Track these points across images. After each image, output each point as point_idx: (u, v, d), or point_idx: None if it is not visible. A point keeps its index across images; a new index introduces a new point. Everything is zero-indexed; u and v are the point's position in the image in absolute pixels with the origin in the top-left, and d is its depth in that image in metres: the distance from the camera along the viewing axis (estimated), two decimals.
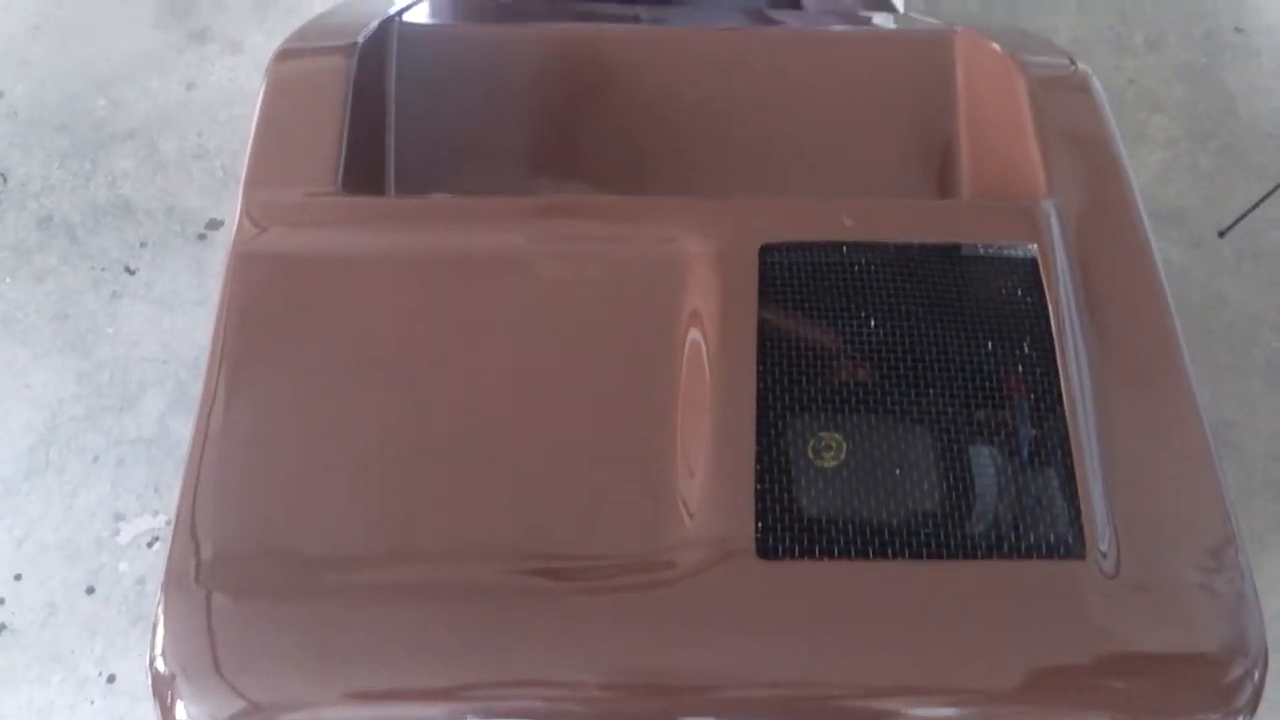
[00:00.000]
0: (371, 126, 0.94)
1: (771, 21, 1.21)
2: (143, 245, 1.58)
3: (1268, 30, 1.82)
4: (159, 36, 1.76)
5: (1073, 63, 1.00)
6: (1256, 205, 1.58)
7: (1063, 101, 0.94)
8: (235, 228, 0.81)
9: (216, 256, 1.58)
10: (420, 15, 1.13)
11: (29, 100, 1.70)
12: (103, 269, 1.56)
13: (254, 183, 0.83)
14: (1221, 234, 1.62)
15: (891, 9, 1.33)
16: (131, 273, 1.56)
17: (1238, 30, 1.82)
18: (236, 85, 1.72)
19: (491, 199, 0.86)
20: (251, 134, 0.86)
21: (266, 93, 0.88)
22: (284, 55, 0.91)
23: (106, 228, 1.60)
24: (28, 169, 1.64)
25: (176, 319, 1.53)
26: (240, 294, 0.79)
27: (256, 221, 0.83)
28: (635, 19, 1.19)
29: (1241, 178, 1.67)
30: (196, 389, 1.46)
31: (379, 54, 1.00)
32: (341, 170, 0.84)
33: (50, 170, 1.64)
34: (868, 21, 1.21)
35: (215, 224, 1.61)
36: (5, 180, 1.62)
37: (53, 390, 1.47)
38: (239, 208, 0.84)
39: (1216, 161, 1.68)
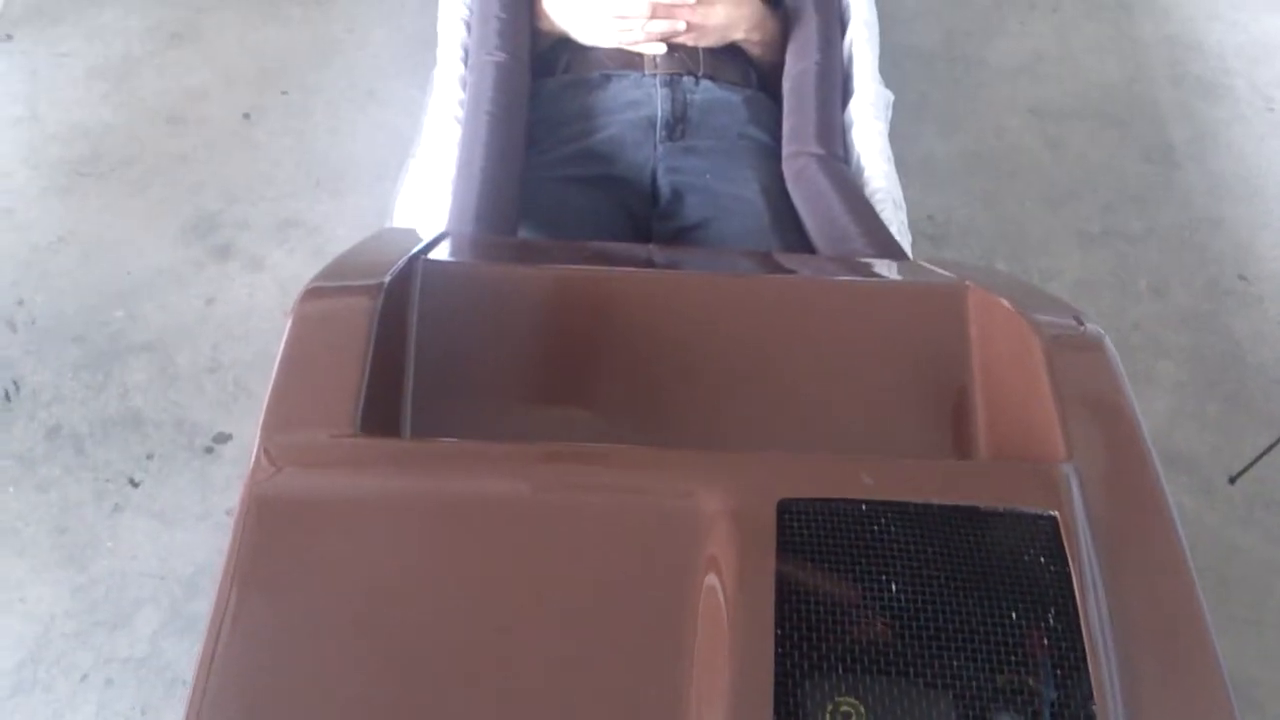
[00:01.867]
0: (392, 367, 0.96)
1: (784, 268, 1.24)
2: (149, 457, 1.59)
3: (1271, 277, 1.88)
4: (181, 252, 1.82)
5: (1082, 322, 1.02)
6: (1266, 452, 1.60)
7: (1077, 363, 0.96)
8: (251, 465, 0.82)
9: (221, 471, 1.59)
10: (443, 253, 1.16)
11: (48, 310, 1.75)
12: (107, 480, 1.57)
13: (273, 423, 0.84)
14: (1232, 480, 1.63)
15: (902, 255, 1.37)
16: (135, 485, 1.56)
17: (1241, 278, 1.88)
18: (255, 301, 1.77)
19: (506, 445, 0.87)
20: (274, 373, 0.88)
21: (292, 332, 0.90)
22: (311, 295, 0.94)
23: (114, 439, 1.61)
24: (41, 378, 1.66)
25: (176, 534, 1.53)
26: (253, 534, 0.79)
27: (274, 460, 0.83)
28: (649, 261, 1.22)
29: (1250, 424, 1.70)
30: (190, 608, 1.44)
31: (402, 293, 1.03)
32: (360, 413, 0.85)
33: (63, 380, 1.66)
34: (879, 269, 1.24)
35: (223, 437, 1.62)
36: (17, 389, 1.64)
37: (47, 605, 1.46)
38: (256, 446, 0.84)
39: (1224, 408, 1.72)
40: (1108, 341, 1.00)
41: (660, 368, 1.06)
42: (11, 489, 1.56)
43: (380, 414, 0.92)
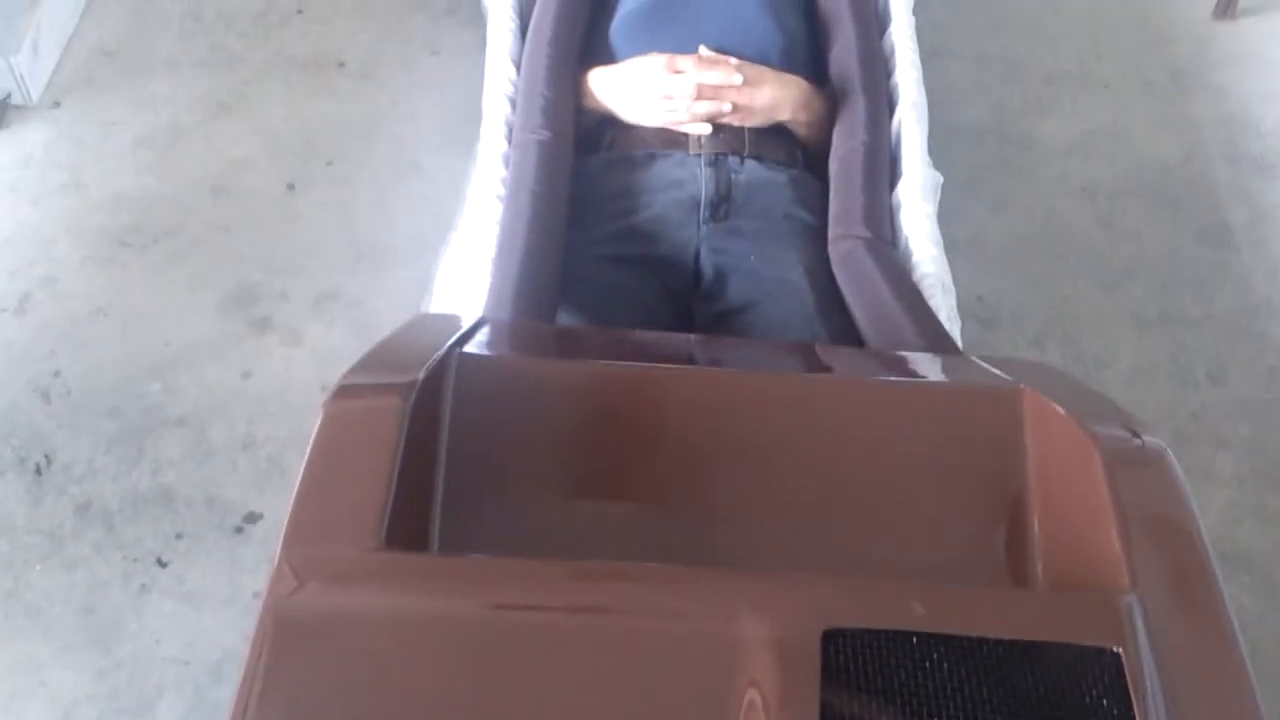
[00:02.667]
0: (422, 473, 0.93)
1: (830, 365, 1.20)
2: (178, 537, 1.57)
3: None
4: (219, 325, 1.81)
5: (1141, 434, 0.97)
6: None
7: (1140, 481, 0.91)
8: (272, 579, 0.78)
9: (251, 553, 1.57)
10: (480, 343, 1.13)
11: (84, 382, 1.74)
12: (135, 560, 1.55)
13: (296, 535, 0.81)
14: None
15: (953, 347, 1.33)
16: (163, 566, 1.54)
17: None
18: (292, 376, 1.76)
19: (536, 563, 0.83)
20: (299, 480, 0.85)
21: (319, 435, 0.88)
22: (341, 394, 0.91)
23: (144, 517, 1.59)
24: (73, 452, 1.65)
25: (204, 617, 1.50)
26: (272, 652, 0.75)
27: (296, 574, 0.80)
28: (690, 355, 1.18)
29: None
30: (215, 695, 1.40)
31: (436, 391, 1.00)
32: (387, 525, 0.81)
33: (96, 455, 1.65)
34: (930, 367, 1.19)
35: (253, 517, 1.60)
36: (49, 463, 1.63)
37: (69, 689, 1.43)
38: (277, 557, 0.81)
39: None
40: (1170, 456, 0.95)
41: (701, 473, 1.02)
42: (39, 566, 1.54)
43: (408, 525, 0.89)
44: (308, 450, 0.91)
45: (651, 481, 1.02)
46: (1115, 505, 0.89)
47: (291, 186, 2.04)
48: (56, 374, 1.76)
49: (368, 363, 1.04)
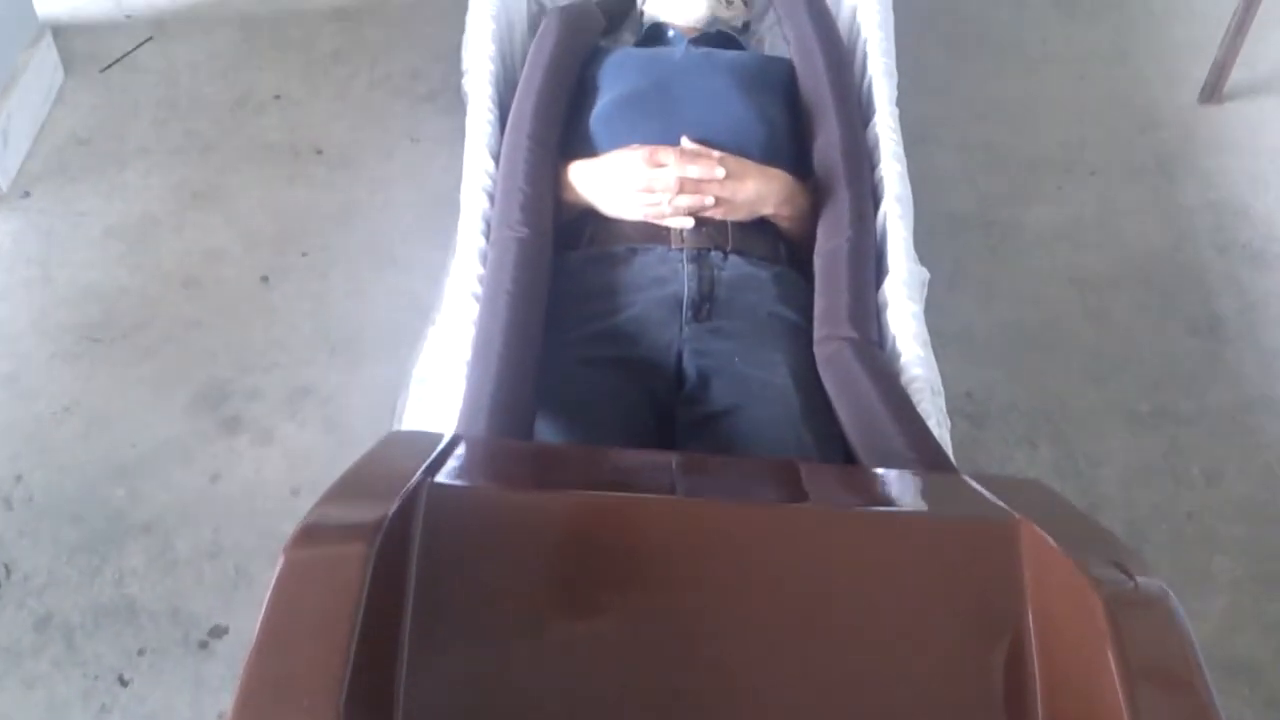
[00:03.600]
0: (387, 619, 0.89)
1: (818, 487, 1.16)
2: (140, 653, 1.52)
3: None
4: (188, 425, 1.77)
5: (1137, 576, 0.93)
6: None
7: (1142, 627, 0.87)
8: None
9: (215, 670, 1.52)
10: (453, 467, 1.09)
11: (46, 487, 1.70)
12: (95, 678, 1.50)
13: (250, 699, 0.75)
14: None
15: (944, 460, 1.29)
16: (125, 684, 1.49)
17: None
18: (262, 478, 1.71)
19: None
20: (256, 632, 0.79)
21: (278, 585, 0.83)
22: (303, 538, 0.86)
23: (106, 631, 1.54)
24: (34, 562, 1.60)
25: None
26: None
27: None
28: (671, 479, 1.14)
29: None
30: None
31: (404, 527, 0.95)
32: (346, 686, 0.76)
33: (57, 564, 1.60)
34: (921, 491, 1.15)
35: (219, 631, 1.55)
36: (8, 574, 1.58)
37: None
38: None
39: None
40: (1171, 598, 0.92)
41: (684, 612, 0.98)
42: None
43: (371, 681, 0.84)
44: (266, 599, 0.86)
45: (632, 622, 0.97)
46: (1116, 652, 0.85)
47: (265, 278, 2.00)
48: (19, 479, 1.71)
49: (333, 496, 1.00)
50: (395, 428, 1.73)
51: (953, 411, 1.55)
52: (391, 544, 0.91)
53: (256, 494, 1.71)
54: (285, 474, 1.73)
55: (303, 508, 1.66)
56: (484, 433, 1.28)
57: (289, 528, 1.67)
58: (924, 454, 1.29)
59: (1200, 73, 2.41)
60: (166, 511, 1.69)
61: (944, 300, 1.84)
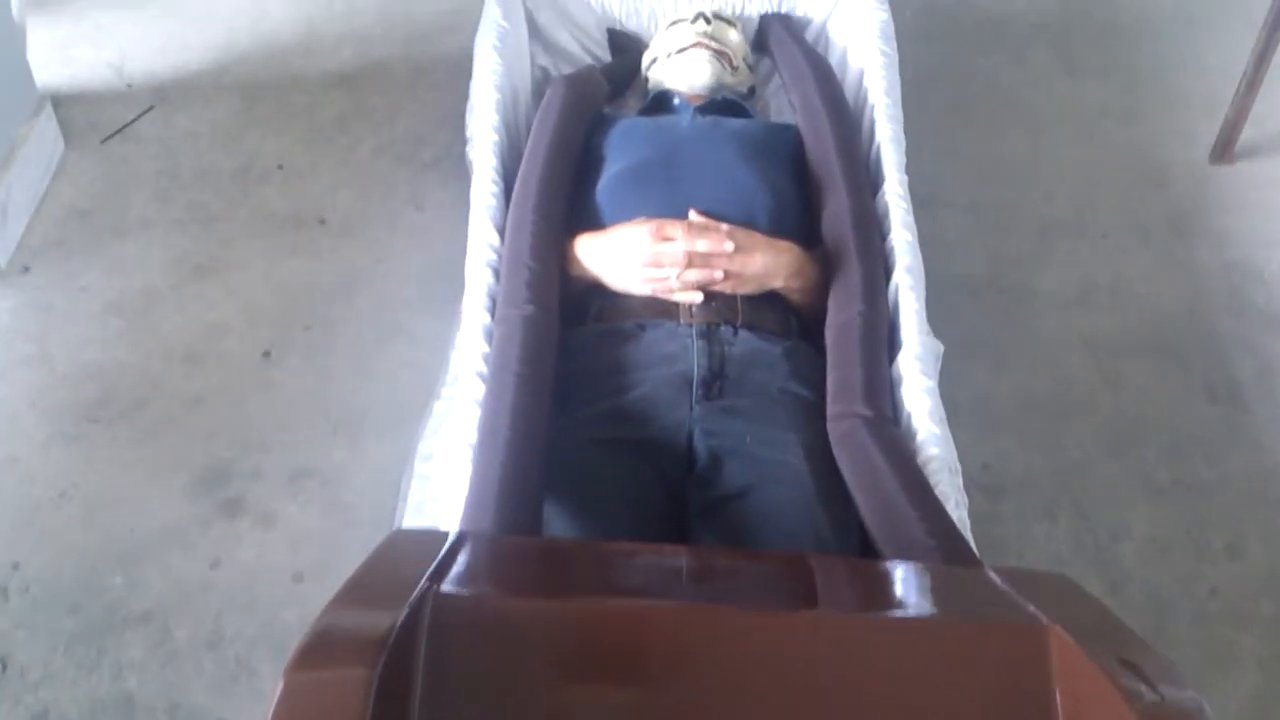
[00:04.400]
0: None
1: (836, 586, 1.13)
2: None
3: None
4: (188, 508, 1.74)
5: (1172, 687, 0.90)
6: None
7: None
8: None
9: None
10: (459, 571, 1.06)
11: (44, 575, 1.67)
12: None
13: None
14: None
15: (965, 548, 1.26)
16: None
17: None
18: (263, 563, 1.68)
19: None
20: None
21: (278, 713, 0.79)
22: (304, 659, 0.83)
23: None
24: (30, 654, 1.57)
25: None
26: None
27: None
28: (684, 580, 1.11)
29: None
30: None
31: (409, 641, 0.92)
32: None
33: (54, 657, 1.56)
34: (944, 588, 1.12)
35: None
36: (5, 668, 1.56)
37: None
38: None
39: None
40: (1206, 711, 0.88)
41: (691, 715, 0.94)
42: None
43: None
44: None
45: None
46: None
47: (267, 354, 1.98)
48: (16, 566, 1.67)
49: (335, 607, 0.97)
50: (399, 509, 1.70)
51: (969, 484, 1.52)
52: (396, 659, 0.88)
53: (258, 580, 1.68)
54: (287, 558, 1.70)
55: (305, 594, 1.65)
56: (491, 524, 1.25)
57: (291, 615, 1.65)
58: (943, 542, 1.26)
59: (1211, 130, 2.40)
60: (166, 599, 1.65)
61: (958, 368, 1.81)
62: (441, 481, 1.51)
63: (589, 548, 1.25)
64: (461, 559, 1.10)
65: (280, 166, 2.32)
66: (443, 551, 1.09)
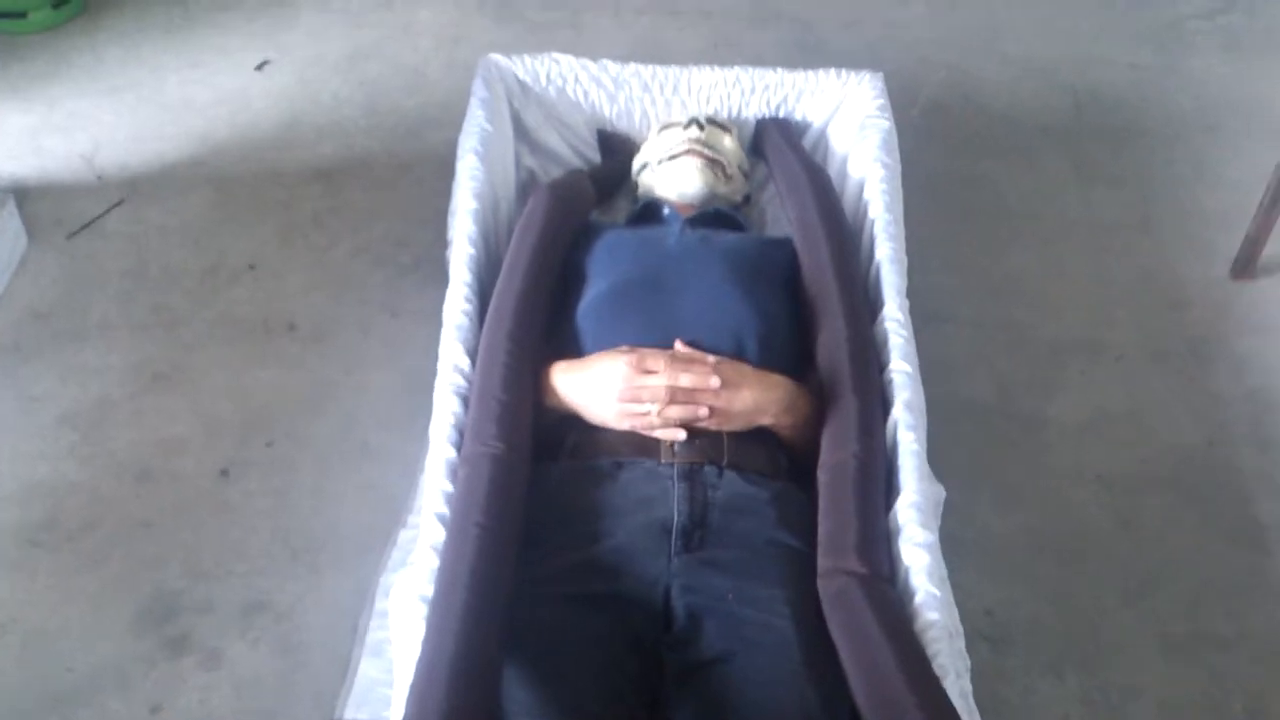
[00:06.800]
0: None
1: None
2: None
3: None
4: (131, 645, 1.67)
5: None
6: None
7: None
8: None
9: None
10: None
11: None
12: None
13: None
14: None
15: None
16: None
17: None
18: (206, 711, 1.61)
19: None
20: None
21: None
22: None
23: None
24: None
25: None
26: None
27: None
28: None
29: None
30: None
31: None
32: None
33: None
34: None
35: None
36: None
37: None
38: None
39: None
40: None
41: None
42: None
43: None
44: None
45: None
46: None
47: (225, 472, 1.90)
48: None
49: None
50: (355, 652, 1.62)
51: (972, 633, 1.44)
52: None
53: None
54: (233, 704, 1.60)
55: None
56: (439, 711, 1.16)
57: None
58: None
59: (1232, 245, 2.33)
60: None
61: (961, 501, 1.72)
62: (397, 633, 1.43)
63: None
64: None
65: (251, 266, 2.26)
66: None
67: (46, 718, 1.58)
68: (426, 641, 1.27)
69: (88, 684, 1.62)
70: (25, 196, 2.31)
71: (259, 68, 2.81)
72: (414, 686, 1.21)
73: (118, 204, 2.36)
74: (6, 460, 1.89)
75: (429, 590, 1.35)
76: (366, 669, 1.56)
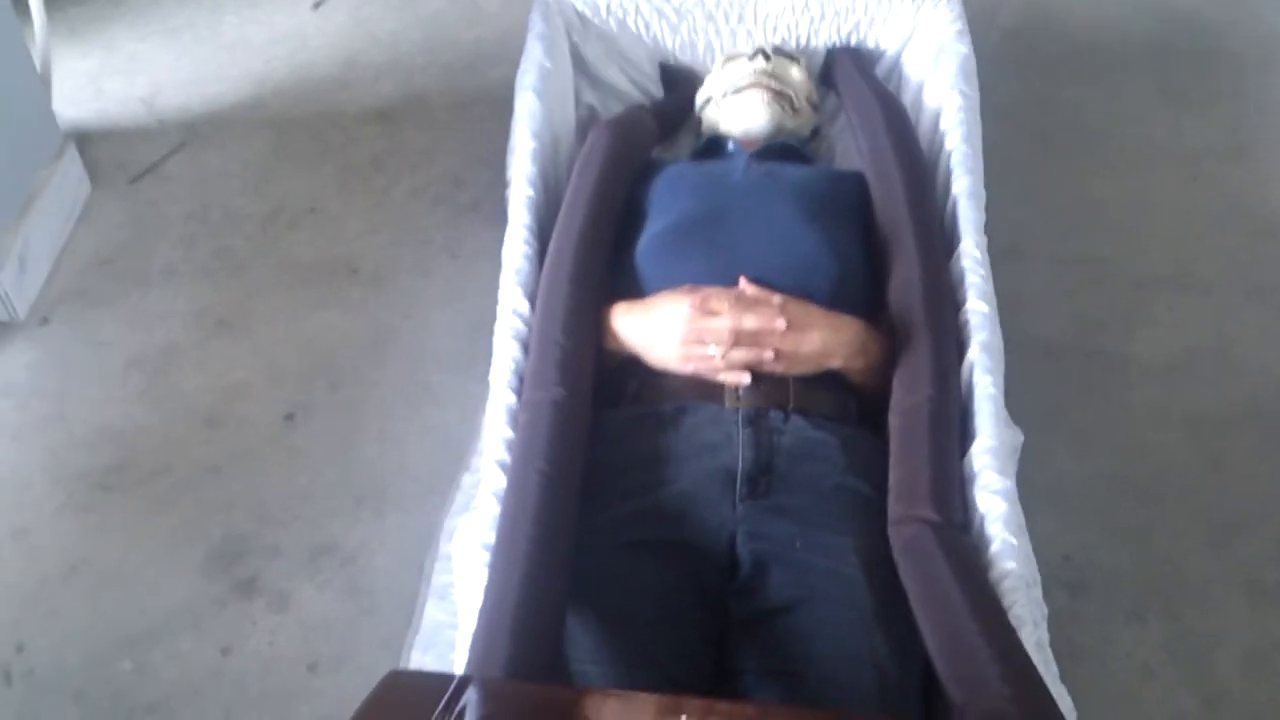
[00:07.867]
0: None
1: None
2: None
3: None
4: (202, 587, 1.69)
5: None
6: None
7: None
8: None
9: None
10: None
11: (50, 658, 1.63)
12: None
13: None
14: None
15: (1046, 700, 1.14)
16: None
17: None
18: (275, 652, 1.63)
19: None
20: None
21: None
22: None
23: None
24: None
25: None
26: None
27: None
28: None
29: None
30: None
31: None
32: None
33: None
34: None
35: None
36: None
37: None
38: None
39: None
40: None
41: None
42: None
43: None
44: None
45: None
46: None
47: (290, 416, 1.92)
48: (20, 649, 1.63)
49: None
50: (421, 593, 1.63)
51: (1049, 579, 1.40)
52: None
53: (270, 670, 1.61)
54: (301, 647, 1.63)
55: (319, 687, 1.58)
56: (503, 664, 1.16)
57: (304, 710, 1.58)
58: (1019, 689, 1.14)
59: None
60: (174, 689, 1.59)
61: (1038, 444, 1.67)
62: (461, 581, 1.43)
63: (610, 701, 1.16)
64: (464, 712, 1.02)
65: (312, 209, 2.26)
66: (442, 702, 1.01)
67: (121, 659, 1.62)
68: (489, 590, 1.27)
69: (159, 626, 1.66)
70: (88, 141, 2.33)
71: (316, 6, 2.80)
72: (477, 635, 1.21)
73: (178, 148, 2.37)
74: (77, 404, 1.93)
75: (491, 538, 1.35)
76: (432, 612, 1.57)
